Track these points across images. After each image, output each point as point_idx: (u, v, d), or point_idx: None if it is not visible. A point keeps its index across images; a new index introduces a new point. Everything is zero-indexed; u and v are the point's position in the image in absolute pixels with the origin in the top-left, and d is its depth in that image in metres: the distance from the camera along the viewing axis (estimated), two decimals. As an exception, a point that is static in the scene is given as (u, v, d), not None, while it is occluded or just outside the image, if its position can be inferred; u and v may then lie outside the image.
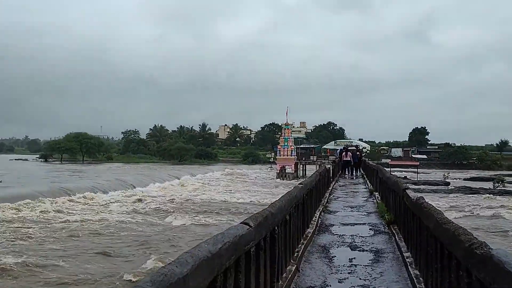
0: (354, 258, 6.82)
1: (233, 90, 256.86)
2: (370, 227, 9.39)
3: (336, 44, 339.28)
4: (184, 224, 20.60)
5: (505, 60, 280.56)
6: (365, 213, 11.47)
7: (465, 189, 40.71)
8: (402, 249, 6.79)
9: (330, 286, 5.52)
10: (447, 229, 3.60)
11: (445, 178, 52.36)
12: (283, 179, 54.69)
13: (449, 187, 43.75)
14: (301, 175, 60.47)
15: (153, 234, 18.13)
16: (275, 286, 4.88)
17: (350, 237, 8.36)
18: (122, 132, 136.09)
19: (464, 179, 56.24)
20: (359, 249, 7.47)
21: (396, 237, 7.69)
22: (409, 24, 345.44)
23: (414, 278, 5.26)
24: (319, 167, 54.15)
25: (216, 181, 50.30)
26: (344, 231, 8.90)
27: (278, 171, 57.92)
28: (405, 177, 50.41)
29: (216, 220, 22.01)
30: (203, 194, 35.07)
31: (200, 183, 45.04)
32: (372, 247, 7.53)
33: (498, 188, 41.50)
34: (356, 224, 9.90)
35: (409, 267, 5.81)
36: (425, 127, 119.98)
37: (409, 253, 6.36)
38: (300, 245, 6.97)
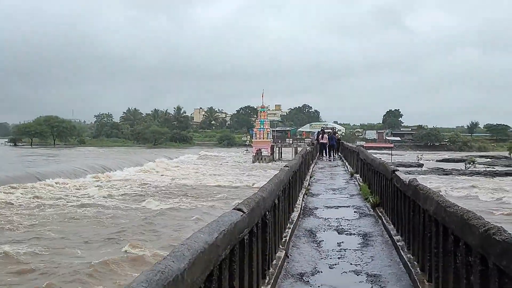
0: (342, 242, 6.64)
1: (208, 74, 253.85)
2: (355, 210, 9.26)
3: (312, 28, 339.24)
4: (165, 208, 20.23)
5: (478, 46, 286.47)
6: (348, 196, 11.37)
7: (438, 170, 41.61)
8: (391, 232, 6.64)
9: (322, 272, 5.31)
10: (453, 213, 3.41)
11: (418, 160, 53.22)
12: (259, 162, 54.62)
13: (423, 168, 44.56)
14: (277, 157, 60.54)
15: (134, 219, 17.69)
16: (267, 274, 4.66)
17: (336, 220, 8.20)
18: (95, 116, 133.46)
19: (437, 161, 57.42)
20: (346, 232, 7.30)
21: (383, 219, 7.56)
22: (384, 9, 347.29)
23: (408, 262, 5.10)
24: (295, 149, 54.37)
25: (193, 164, 49.90)
26: (329, 214, 8.74)
27: (254, 154, 57.69)
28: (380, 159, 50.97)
29: (195, 203, 21.71)
30: (181, 177, 34.70)
31: (176, 167, 44.62)
32: (359, 231, 7.37)
33: (469, 169, 42.47)
34: (340, 207, 9.76)
35: (400, 251, 5.65)
36: (398, 109, 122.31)
37: (399, 236, 6.22)
38: (287, 230, 6.76)
